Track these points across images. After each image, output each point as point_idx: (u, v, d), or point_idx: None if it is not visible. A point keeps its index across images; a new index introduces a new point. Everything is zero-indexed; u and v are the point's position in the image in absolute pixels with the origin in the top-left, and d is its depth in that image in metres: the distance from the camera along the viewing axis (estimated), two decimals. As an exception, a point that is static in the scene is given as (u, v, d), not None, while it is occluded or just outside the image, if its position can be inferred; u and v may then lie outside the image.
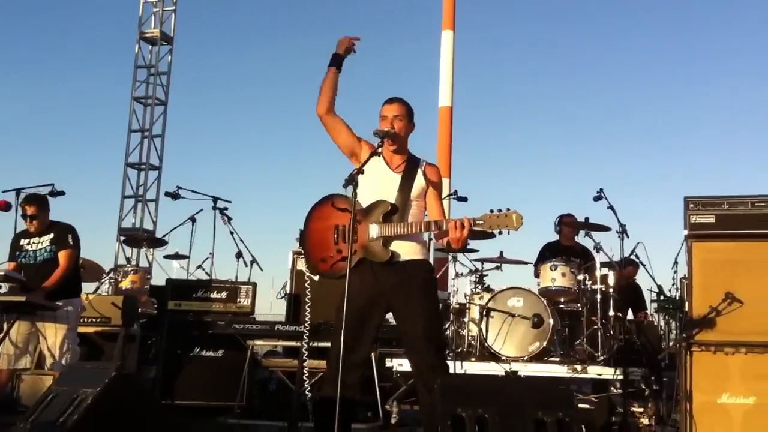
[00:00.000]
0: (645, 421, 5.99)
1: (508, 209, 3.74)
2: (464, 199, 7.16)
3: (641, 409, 6.11)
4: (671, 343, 6.58)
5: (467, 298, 6.81)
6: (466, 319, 6.72)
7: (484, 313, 6.58)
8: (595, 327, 6.56)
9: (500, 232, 3.77)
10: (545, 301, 6.53)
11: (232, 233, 7.77)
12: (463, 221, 3.79)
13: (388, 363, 6.46)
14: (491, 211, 3.77)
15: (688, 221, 5.62)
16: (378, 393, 6.17)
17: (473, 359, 6.43)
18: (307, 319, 4.66)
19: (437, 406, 3.05)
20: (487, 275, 7.26)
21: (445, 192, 10.53)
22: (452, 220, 3.84)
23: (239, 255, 7.70)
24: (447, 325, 6.94)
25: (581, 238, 7.36)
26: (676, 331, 6.70)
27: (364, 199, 4.04)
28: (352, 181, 3.81)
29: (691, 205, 5.64)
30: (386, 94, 4.22)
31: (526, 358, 6.37)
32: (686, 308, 5.57)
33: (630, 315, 7.71)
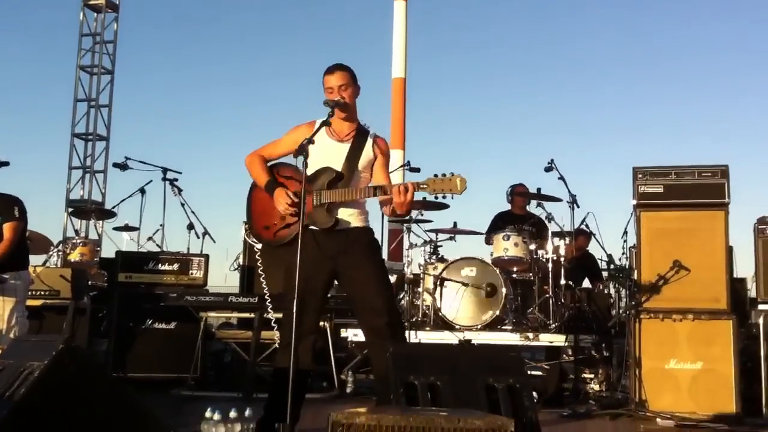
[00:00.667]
0: (595, 387, 6.13)
1: (452, 173, 3.72)
2: (417, 170, 7.15)
3: (592, 376, 6.25)
4: (621, 311, 6.69)
5: (421, 268, 6.85)
6: (420, 289, 6.76)
7: (438, 283, 6.62)
8: (547, 296, 6.65)
9: (444, 197, 3.76)
10: (498, 271, 6.59)
11: (183, 205, 7.67)
12: (407, 185, 3.79)
13: (343, 333, 6.48)
14: (435, 175, 3.76)
15: (636, 191, 5.72)
16: (333, 363, 6.19)
17: (428, 329, 6.48)
18: (264, 289, 4.63)
19: (389, 375, 3.06)
20: (441, 246, 7.29)
21: (398, 163, 10.55)
22: (396, 185, 3.83)
23: (191, 227, 7.60)
24: (401, 295, 6.97)
25: (533, 208, 7.43)
26: (626, 299, 6.82)
27: (311, 167, 4.02)
28: (302, 150, 3.78)
29: (640, 176, 5.73)
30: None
31: (479, 326, 6.44)
32: (635, 277, 5.68)
33: (588, 284, 7.82)
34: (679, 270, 5.45)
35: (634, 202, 5.73)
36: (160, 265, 6.57)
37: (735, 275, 6.48)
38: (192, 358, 6.16)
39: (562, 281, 6.60)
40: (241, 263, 6.75)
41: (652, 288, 5.49)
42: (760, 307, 5.50)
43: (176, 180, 7.70)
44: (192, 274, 6.56)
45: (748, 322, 6.28)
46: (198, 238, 7.59)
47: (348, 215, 4.00)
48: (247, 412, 3.63)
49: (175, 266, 6.57)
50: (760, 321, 5.49)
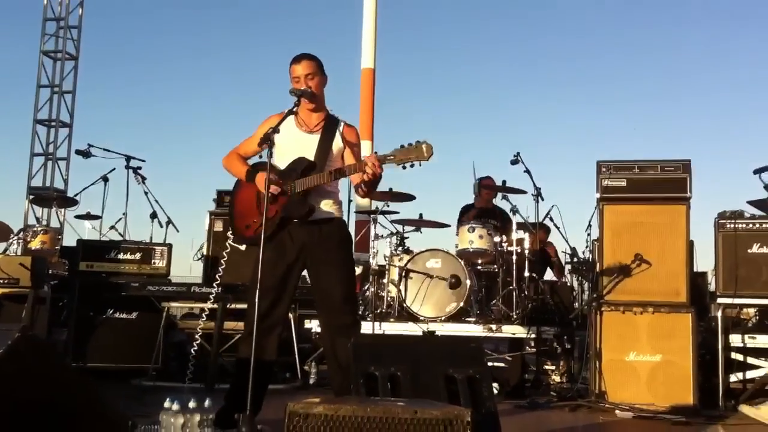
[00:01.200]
0: (557, 378, 6.19)
1: (418, 141, 3.71)
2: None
3: (553, 367, 6.31)
4: (583, 304, 6.75)
5: (387, 259, 6.84)
6: (385, 281, 6.76)
7: (403, 274, 6.62)
8: (511, 288, 6.70)
9: (412, 165, 3.74)
10: (463, 263, 6.61)
11: (146, 193, 7.58)
12: (374, 157, 3.79)
13: (307, 324, 6.47)
14: (401, 145, 3.76)
15: (600, 185, 5.77)
16: (297, 354, 6.17)
17: (392, 320, 6.48)
18: (218, 279, 4.60)
19: (350, 366, 3.05)
20: (408, 237, 7.31)
21: (366, 153, 10.46)
22: (365, 157, 3.83)
23: (154, 216, 7.52)
24: (366, 286, 6.97)
25: (499, 201, 7.48)
26: (589, 292, 6.89)
27: (283, 160, 4.01)
28: (266, 140, 3.77)
29: (603, 169, 5.79)
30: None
31: (443, 318, 6.46)
32: (597, 269, 5.74)
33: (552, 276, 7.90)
34: (640, 263, 5.52)
35: (598, 195, 5.79)
36: (122, 254, 6.49)
37: (696, 269, 6.57)
38: (154, 348, 6.10)
39: (526, 273, 6.65)
40: (204, 253, 6.69)
41: (613, 281, 5.55)
42: (719, 300, 5.59)
43: (140, 168, 7.62)
44: (154, 263, 6.49)
45: (708, 315, 6.39)
46: (161, 227, 7.53)
47: (322, 204, 4.01)
48: (207, 403, 3.60)
49: (138, 255, 6.49)
50: (719, 314, 5.58)
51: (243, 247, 4.33)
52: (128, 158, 7.60)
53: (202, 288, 6.09)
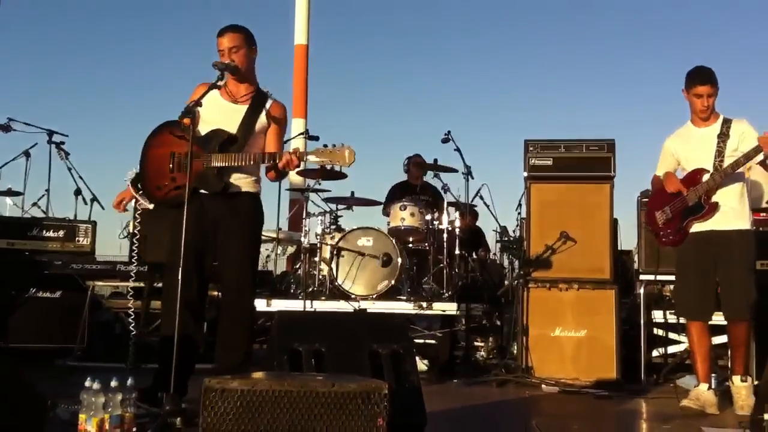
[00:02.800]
0: (485, 354, 6.27)
1: (342, 144, 3.70)
2: (316, 138, 7.09)
3: (482, 343, 6.39)
4: (511, 281, 6.85)
5: (318, 237, 6.81)
6: (317, 259, 6.72)
7: (335, 252, 6.60)
8: (442, 265, 6.75)
9: (332, 168, 3.76)
10: (394, 241, 6.62)
11: (70, 169, 7.36)
12: (295, 151, 3.77)
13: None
14: (325, 146, 3.74)
15: (527, 164, 5.85)
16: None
17: (323, 298, 6.46)
18: (134, 252, 4.51)
19: (273, 341, 3.03)
20: (342, 216, 7.27)
21: (298, 130, 10.41)
22: (285, 153, 3.79)
23: (78, 192, 7.31)
24: (298, 264, 6.93)
25: (430, 179, 7.52)
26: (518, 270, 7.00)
27: (205, 128, 3.94)
28: (188, 113, 3.70)
29: (531, 148, 5.87)
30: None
31: (374, 296, 6.47)
32: (524, 247, 5.83)
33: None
34: (566, 241, 5.62)
35: (525, 174, 5.87)
36: (44, 231, 6.29)
37: (621, 247, 6.73)
38: (78, 328, 5.95)
39: (457, 251, 6.71)
40: (131, 231, 6.54)
41: (540, 258, 5.65)
42: (641, 277, 5.73)
43: (63, 143, 7.38)
44: (78, 241, 6.31)
45: (633, 292, 6.55)
46: (86, 204, 7.32)
47: (238, 179, 3.95)
48: (129, 381, 3.52)
49: (61, 233, 6.30)
50: (641, 291, 5.73)
51: (151, 206, 4.23)
52: (51, 133, 7.35)
53: (128, 266, 5.95)
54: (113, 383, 3.51)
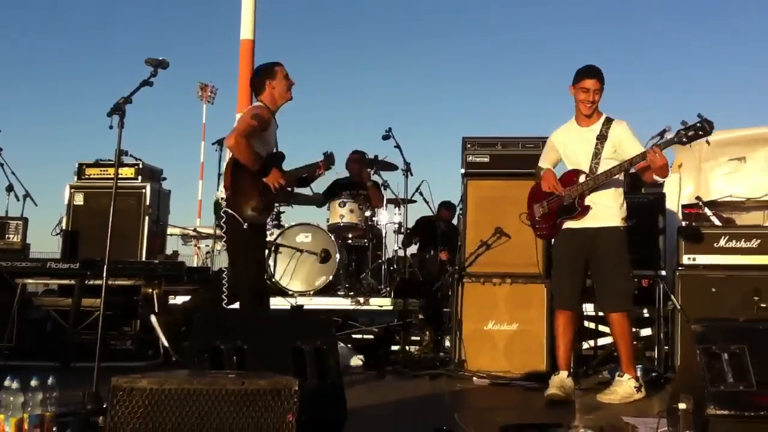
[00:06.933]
0: (421, 349, 6.32)
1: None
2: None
3: (418, 338, 6.44)
4: (447, 276, 6.90)
5: (256, 233, 6.77)
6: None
7: (273, 248, 6.59)
8: (380, 261, 6.78)
9: None
10: (333, 237, 6.64)
11: (1, 165, 7.17)
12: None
13: (171, 300, 6.34)
14: None
15: (465, 160, 5.92)
16: (159, 331, 6.03)
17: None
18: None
19: (195, 339, 3.02)
20: (284, 212, 7.18)
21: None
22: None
23: (10, 188, 7.14)
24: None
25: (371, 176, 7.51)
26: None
27: None
28: (117, 110, 3.67)
29: (468, 145, 5.94)
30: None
31: (312, 292, 6.48)
32: (460, 243, 5.89)
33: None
34: (500, 236, 5.69)
35: (463, 171, 5.93)
36: (-27, 228, 6.15)
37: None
38: (7, 326, 5.83)
39: (396, 247, 6.75)
40: (63, 227, 6.43)
41: (475, 253, 5.71)
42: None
43: (-6, 139, 7.21)
44: (8, 238, 6.19)
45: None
46: (18, 200, 7.14)
47: None
48: (50, 380, 3.47)
49: (-10, 230, 6.17)
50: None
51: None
52: (-20, 128, 7.17)
53: (59, 264, 5.85)
54: (33, 382, 3.46)
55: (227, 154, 4.99)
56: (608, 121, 4.61)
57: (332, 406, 2.98)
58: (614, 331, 4.62)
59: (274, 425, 2.13)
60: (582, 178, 4.56)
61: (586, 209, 4.55)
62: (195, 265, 12.80)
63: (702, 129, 4.22)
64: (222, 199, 4.82)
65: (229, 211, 4.53)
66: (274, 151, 4.77)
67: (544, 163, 4.85)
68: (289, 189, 4.90)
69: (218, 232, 7.86)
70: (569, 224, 4.62)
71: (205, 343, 3.02)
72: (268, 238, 6.63)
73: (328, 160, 5.13)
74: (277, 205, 7.14)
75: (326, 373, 3.05)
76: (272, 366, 2.95)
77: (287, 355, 3.06)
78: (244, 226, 4.47)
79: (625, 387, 4.43)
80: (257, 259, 4.68)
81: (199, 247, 12.45)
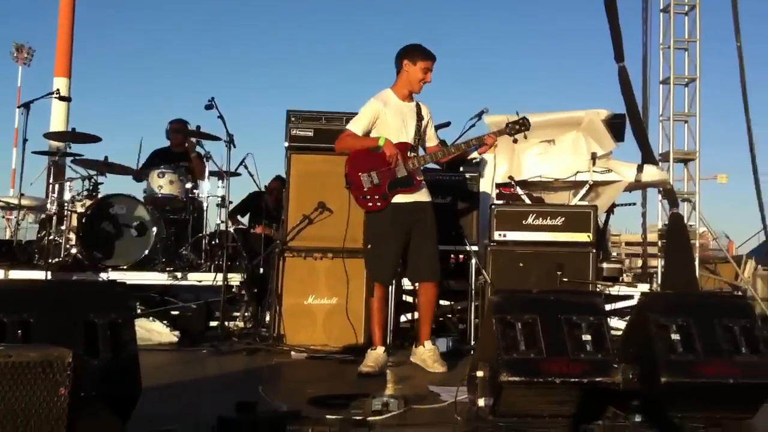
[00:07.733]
0: (241, 324, 6.22)
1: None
2: (68, 100, 6.63)
3: (238, 313, 6.33)
4: (268, 250, 6.82)
5: (67, 204, 6.38)
6: (64, 227, 6.30)
7: (84, 220, 6.23)
8: (201, 235, 6.59)
9: None
10: (150, 209, 6.38)
11: None
12: None
13: None
14: None
15: (288, 134, 5.86)
16: None
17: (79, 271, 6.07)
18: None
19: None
20: (102, 183, 6.77)
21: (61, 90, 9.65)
22: None
23: None
24: (43, 233, 6.46)
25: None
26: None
27: None
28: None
29: (293, 119, 5.88)
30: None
31: (126, 267, 6.20)
32: (283, 217, 5.83)
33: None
34: (323, 211, 5.68)
35: (286, 144, 5.86)
36: None
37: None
38: None
39: (218, 221, 6.59)
40: None
41: (297, 228, 5.67)
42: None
43: None
44: None
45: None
46: None
47: None
48: None
49: None
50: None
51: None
52: None
53: None
54: None
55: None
56: (417, 103, 4.81)
57: (125, 382, 2.83)
58: (428, 300, 4.77)
59: (45, 399, 1.99)
60: (412, 154, 4.71)
61: (420, 183, 4.70)
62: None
63: (524, 125, 4.79)
64: None
65: None
66: None
67: (358, 129, 4.77)
68: None
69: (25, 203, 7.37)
70: (401, 198, 4.67)
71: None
72: (79, 210, 6.28)
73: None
74: (94, 174, 6.77)
75: (120, 348, 2.90)
76: (61, 340, 2.75)
77: (79, 329, 2.88)
78: None
79: (437, 353, 4.65)
80: None
81: (9, 219, 11.61)
